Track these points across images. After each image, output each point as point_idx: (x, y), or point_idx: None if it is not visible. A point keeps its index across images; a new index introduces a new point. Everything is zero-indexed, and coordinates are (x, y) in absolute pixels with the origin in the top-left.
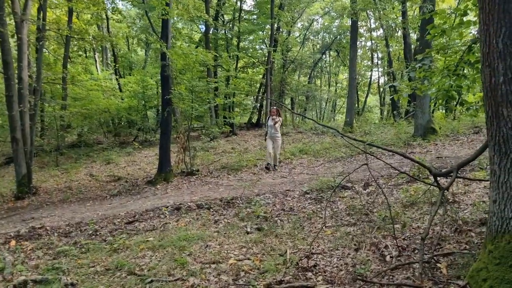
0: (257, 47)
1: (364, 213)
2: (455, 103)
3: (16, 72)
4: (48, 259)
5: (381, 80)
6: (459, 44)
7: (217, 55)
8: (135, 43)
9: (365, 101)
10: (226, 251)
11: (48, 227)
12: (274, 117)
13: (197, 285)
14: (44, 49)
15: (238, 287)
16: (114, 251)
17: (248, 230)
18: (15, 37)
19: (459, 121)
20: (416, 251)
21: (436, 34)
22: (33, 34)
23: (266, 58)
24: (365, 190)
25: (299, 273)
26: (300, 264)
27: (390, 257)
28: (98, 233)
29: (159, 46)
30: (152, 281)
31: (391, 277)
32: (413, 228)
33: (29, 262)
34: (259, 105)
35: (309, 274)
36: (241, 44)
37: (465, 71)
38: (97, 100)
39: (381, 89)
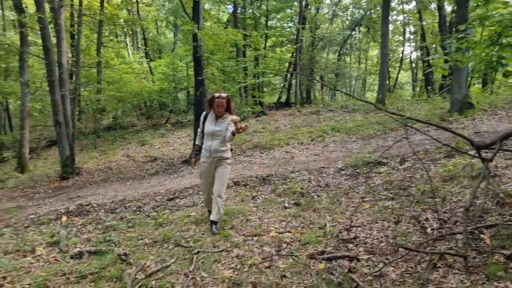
0: (285, 25)
1: (402, 188)
2: (494, 74)
3: (56, 57)
4: (98, 233)
5: (413, 56)
6: (504, 13)
7: (247, 34)
8: (163, 26)
9: (397, 77)
10: (266, 225)
11: (95, 204)
12: (226, 116)
13: (242, 255)
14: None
15: (282, 258)
16: (159, 225)
17: (286, 205)
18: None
19: (497, 95)
20: (458, 223)
21: (479, 3)
22: (67, 21)
23: (294, 37)
24: (401, 165)
25: (340, 245)
26: (340, 236)
27: (431, 229)
28: (141, 209)
29: (190, 27)
30: (198, 252)
31: (433, 247)
32: (453, 202)
33: (81, 235)
34: (288, 84)
35: (350, 245)
36: (269, 23)
37: (509, 40)
38: (130, 83)
39: (413, 65)
